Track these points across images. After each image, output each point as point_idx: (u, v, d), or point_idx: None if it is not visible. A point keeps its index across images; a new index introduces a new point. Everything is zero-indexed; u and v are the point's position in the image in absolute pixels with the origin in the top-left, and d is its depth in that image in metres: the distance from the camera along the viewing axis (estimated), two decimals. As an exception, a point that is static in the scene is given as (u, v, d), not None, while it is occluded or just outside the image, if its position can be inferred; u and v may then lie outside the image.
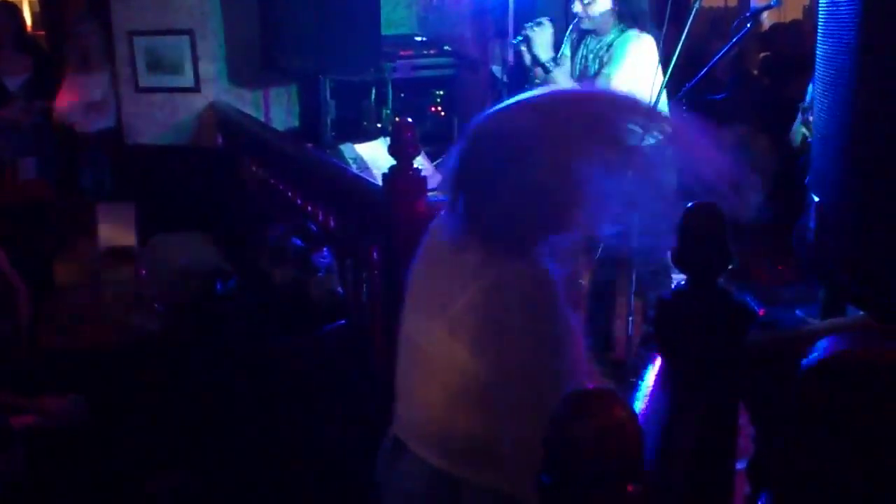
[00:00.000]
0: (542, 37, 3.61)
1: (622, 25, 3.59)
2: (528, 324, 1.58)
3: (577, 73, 3.73)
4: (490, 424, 1.67)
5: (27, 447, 2.81)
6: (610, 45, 3.59)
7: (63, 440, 2.91)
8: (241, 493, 2.91)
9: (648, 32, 3.57)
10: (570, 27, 3.88)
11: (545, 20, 3.65)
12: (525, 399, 1.56)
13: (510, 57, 4.11)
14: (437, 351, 1.73)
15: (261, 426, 2.92)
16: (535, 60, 3.64)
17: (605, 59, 3.59)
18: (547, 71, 3.62)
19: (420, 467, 1.81)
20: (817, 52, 1.54)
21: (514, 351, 1.60)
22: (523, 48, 3.70)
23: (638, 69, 3.50)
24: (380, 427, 2.13)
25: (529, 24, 3.68)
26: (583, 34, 3.76)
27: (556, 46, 3.77)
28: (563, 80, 3.59)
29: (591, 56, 3.69)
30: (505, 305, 1.59)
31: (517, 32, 3.94)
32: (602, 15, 3.58)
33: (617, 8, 3.57)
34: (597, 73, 3.61)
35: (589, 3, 3.56)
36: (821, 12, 1.51)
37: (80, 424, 2.91)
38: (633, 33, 3.57)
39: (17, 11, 6.00)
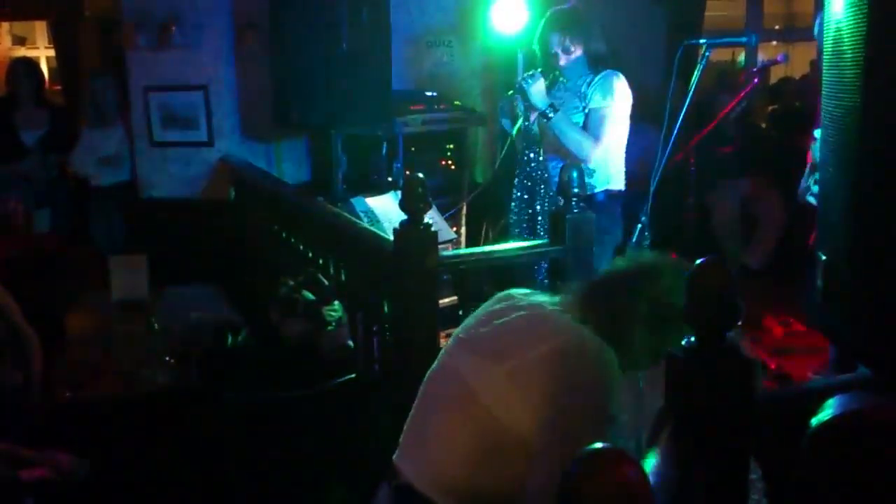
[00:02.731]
0: (536, 87, 3.76)
1: (597, 66, 3.86)
2: (591, 394, 1.76)
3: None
4: (518, 476, 1.71)
5: (36, 500, 2.80)
6: (591, 82, 3.82)
7: (72, 492, 2.90)
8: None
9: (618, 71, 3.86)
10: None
11: (537, 72, 3.80)
12: (559, 460, 1.59)
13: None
14: (489, 394, 1.82)
15: (266, 479, 2.91)
16: (533, 109, 3.82)
17: (588, 94, 3.80)
18: (547, 117, 3.76)
19: None
20: (822, 114, 1.56)
21: (571, 414, 1.71)
22: (519, 98, 3.87)
23: (626, 102, 3.81)
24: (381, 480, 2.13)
25: (523, 76, 3.85)
26: (554, 84, 3.98)
27: None
28: (562, 124, 3.76)
29: (568, 94, 3.88)
30: (579, 370, 1.77)
31: None
32: (578, 59, 3.86)
33: (587, 51, 3.86)
34: (584, 108, 3.81)
35: (567, 52, 3.85)
36: (825, 74, 1.54)
37: (85, 480, 2.90)
38: (613, 72, 3.83)
39: (36, 67, 6.11)
